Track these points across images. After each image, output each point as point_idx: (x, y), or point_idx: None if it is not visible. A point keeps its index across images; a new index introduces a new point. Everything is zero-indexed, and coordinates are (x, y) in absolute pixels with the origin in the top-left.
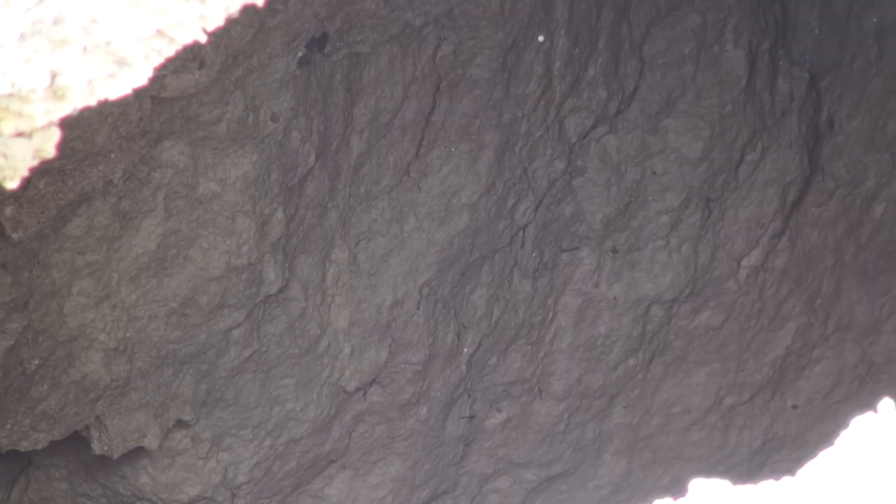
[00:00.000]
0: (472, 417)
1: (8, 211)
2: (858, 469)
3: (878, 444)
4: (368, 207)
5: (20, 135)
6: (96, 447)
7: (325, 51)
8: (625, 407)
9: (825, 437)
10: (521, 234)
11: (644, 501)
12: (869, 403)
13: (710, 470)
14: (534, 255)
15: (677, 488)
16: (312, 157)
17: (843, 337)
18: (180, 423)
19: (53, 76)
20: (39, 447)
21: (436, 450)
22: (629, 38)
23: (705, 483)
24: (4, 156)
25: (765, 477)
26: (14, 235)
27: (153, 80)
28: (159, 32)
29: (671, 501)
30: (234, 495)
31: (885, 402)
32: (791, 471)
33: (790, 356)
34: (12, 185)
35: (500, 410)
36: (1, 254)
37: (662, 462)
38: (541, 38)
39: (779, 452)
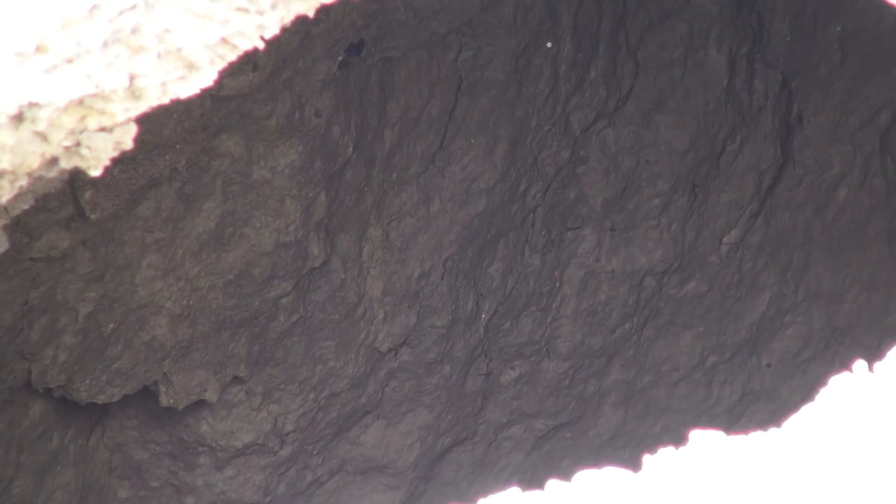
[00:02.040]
0: (488, 374)
1: (87, 195)
2: (837, 421)
3: (852, 399)
4: (399, 192)
5: (102, 129)
6: (163, 400)
7: (362, 55)
8: (621, 365)
9: (796, 390)
10: (531, 214)
11: (638, 447)
12: (834, 362)
13: (695, 419)
14: (542, 233)
15: (668, 435)
16: (350, 148)
17: (811, 305)
18: (236, 379)
19: (132, 79)
20: (114, 400)
21: (457, 402)
22: (626, 45)
23: (702, 433)
24: (89, 147)
25: (744, 427)
26: (92, 216)
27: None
28: (223, 40)
29: (673, 450)
30: (282, 441)
31: (859, 363)
32: (776, 422)
33: (765, 321)
34: (95, 172)
35: (513, 368)
36: (81, 232)
37: (654, 412)
38: (549, 45)
39: (755, 405)
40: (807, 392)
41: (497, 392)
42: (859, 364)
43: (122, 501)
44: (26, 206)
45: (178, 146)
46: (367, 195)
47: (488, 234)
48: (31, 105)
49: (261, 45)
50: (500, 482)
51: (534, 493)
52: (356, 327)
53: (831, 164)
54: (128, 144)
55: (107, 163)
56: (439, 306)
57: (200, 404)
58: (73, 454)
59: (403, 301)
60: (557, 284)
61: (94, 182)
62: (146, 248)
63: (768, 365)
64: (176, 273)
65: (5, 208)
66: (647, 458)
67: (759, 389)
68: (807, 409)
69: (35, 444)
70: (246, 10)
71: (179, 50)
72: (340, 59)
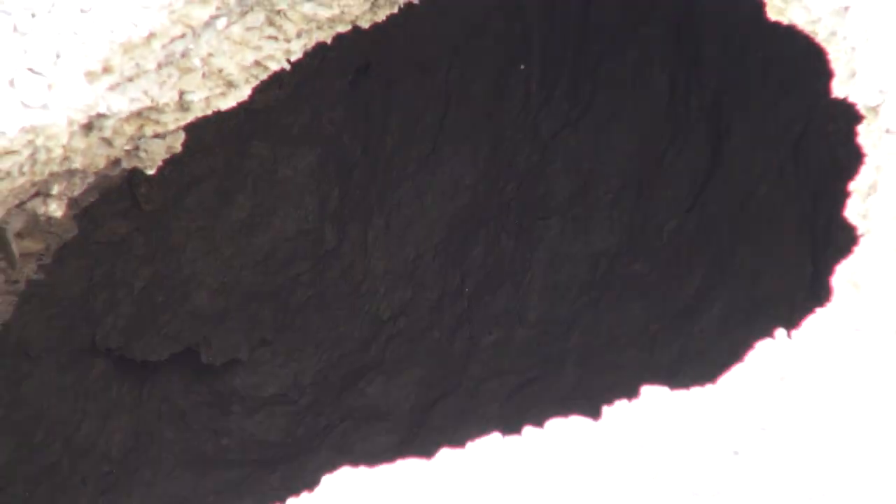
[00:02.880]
0: (471, 338)
1: (142, 190)
2: (763, 378)
3: (775, 360)
4: (398, 188)
5: (157, 136)
6: (203, 358)
7: (368, 75)
8: (580, 332)
9: (726, 354)
10: (507, 207)
11: (597, 400)
12: (757, 330)
13: (640, 377)
14: (517, 222)
15: (621, 390)
16: (359, 152)
17: (737, 282)
18: (263, 342)
19: (181, 94)
20: (163, 358)
21: (445, 361)
22: (585, 67)
23: (650, 389)
24: (146, 151)
25: (684, 383)
26: (146, 208)
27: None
28: (257, 63)
29: (626, 402)
30: (301, 393)
31: (779, 332)
32: (712, 380)
33: (698, 295)
34: (151, 171)
35: (491, 333)
36: (136, 221)
37: (606, 371)
38: (522, 67)
39: (690, 365)
40: (736, 355)
41: (477, 353)
42: (780, 332)
43: (169, 441)
44: (92, 199)
45: (217, 150)
46: (372, 190)
47: (471, 223)
48: (99, 116)
49: (287, 67)
50: (481, 428)
51: (512, 438)
52: (362, 300)
53: (753, 166)
54: (177, 149)
55: (160, 163)
56: (431, 282)
57: (234, 362)
58: (128, 403)
59: (401, 278)
60: (528, 264)
61: (149, 179)
62: (190, 234)
63: (701, 331)
64: (214, 255)
65: (76, 201)
66: (605, 409)
67: (694, 352)
68: (737, 369)
69: (98, 395)
70: (276, 38)
71: (220, 71)
72: (350, 78)
